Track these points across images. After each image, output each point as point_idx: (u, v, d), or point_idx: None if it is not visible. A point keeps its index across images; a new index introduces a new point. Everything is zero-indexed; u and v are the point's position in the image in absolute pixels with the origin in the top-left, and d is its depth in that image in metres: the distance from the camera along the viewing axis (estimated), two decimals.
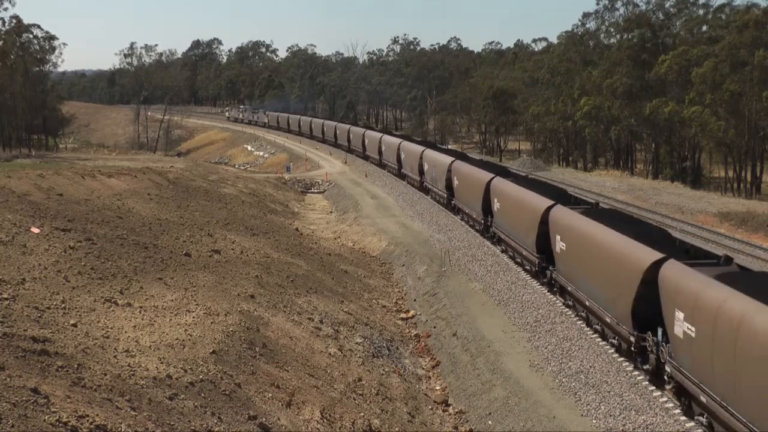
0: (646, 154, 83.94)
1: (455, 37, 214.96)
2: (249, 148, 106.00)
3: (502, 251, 33.85)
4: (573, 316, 24.72)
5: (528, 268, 29.82)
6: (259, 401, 15.77)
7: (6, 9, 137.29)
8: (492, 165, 43.76)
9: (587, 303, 22.76)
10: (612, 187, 58.75)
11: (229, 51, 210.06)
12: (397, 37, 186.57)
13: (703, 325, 15.69)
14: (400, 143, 62.39)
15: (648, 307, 18.53)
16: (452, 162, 43.99)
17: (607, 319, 21.12)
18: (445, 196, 45.01)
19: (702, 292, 15.89)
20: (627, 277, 19.40)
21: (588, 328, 23.38)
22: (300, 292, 26.19)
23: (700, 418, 16.51)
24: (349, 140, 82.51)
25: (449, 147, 78.70)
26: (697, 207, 48.47)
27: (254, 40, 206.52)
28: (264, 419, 14.83)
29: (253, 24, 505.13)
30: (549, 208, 26.79)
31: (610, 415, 17.72)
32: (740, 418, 14.41)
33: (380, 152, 69.41)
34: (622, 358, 20.69)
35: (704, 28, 75.15)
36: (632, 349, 19.71)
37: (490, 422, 19.06)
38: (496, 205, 33.84)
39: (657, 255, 18.44)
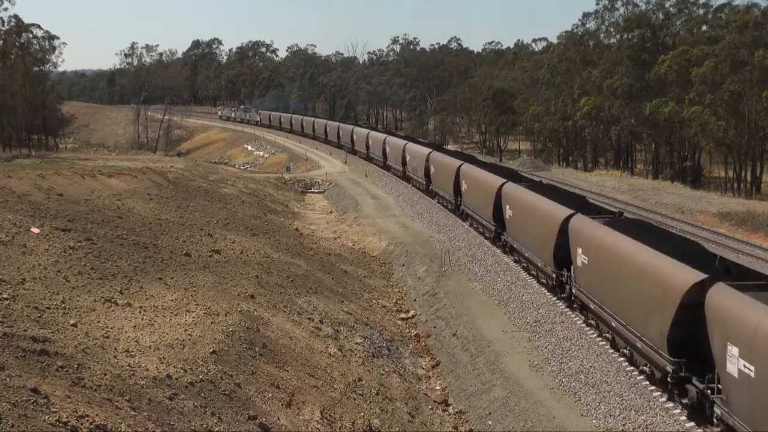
0: (646, 154, 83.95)
1: (455, 37, 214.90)
2: (249, 148, 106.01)
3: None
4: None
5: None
6: (259, 401, 15.77)
7: (6, 9, 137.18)
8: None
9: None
10: (612, 187, 58.75)
11: (229, 51, 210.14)
12: (397, 37, 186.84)
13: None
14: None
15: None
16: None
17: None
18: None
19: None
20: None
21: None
22: (300, 292, 26.19)
23: None
24: (338, 136, 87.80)
25: (450, 147, 78.80)
26: (697, 207, 48.46)
27: (254, 40, 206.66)
28: (264, 419, 14.83)
29: (253, 24, 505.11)
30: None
31: (610, 415, 17.71)
32: None
33: (367, 147, 73.14)
34: (622, 358, 20.69)
35: (704, 28, 75.20)
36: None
37: (490, 422, 19.07)
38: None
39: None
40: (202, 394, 14.66)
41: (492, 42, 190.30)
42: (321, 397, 17.61)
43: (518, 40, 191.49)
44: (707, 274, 16.36)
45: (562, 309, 25.29)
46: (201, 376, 15.41)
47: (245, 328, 19.44)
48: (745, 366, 13.97)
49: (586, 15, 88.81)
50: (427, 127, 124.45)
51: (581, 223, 23.63)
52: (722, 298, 15.17)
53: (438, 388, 22.17)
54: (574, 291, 24.24)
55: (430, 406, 20.60)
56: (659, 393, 18.52)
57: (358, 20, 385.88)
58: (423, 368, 23.70)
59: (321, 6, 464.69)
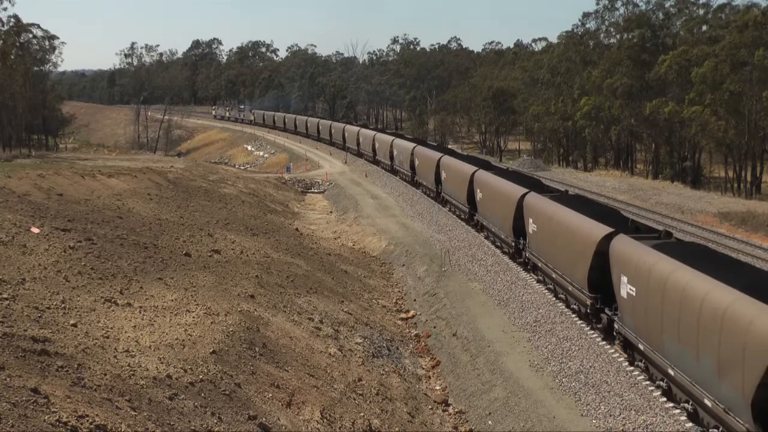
0: (646, 154, 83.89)
1: (455, 37, 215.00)
2: (249, 148, 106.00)
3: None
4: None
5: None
6: (259, 401, 15.76)
7: (5, 9, 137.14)
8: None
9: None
10: (612, 187, 58.75)
11: (229, 51, 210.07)
12: (397, 37, 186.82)
13: None
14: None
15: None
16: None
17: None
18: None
19: None
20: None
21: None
22: (300, 292, 26.19)
23: None
24: (330, 135, 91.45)
25: (450, 147, 78.81)
26: (697, 207, 48.46)
27: (254, 40, 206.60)
28: (264, 419, 14.83)
29: (253, 24, 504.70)
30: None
31: (610, 415, 17.72)
32: None
33: (356, 143, 76.47)
34: (622, 358, 20.69)
35: (704, 28, 75.06)
36: None
37: (490, 422, 19.07)
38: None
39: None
40: (202, 394, 14.66)
41: (492, 42, 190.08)
42: (321, 397, 17.61)
43: (518, 40, 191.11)
44: (613, 228, 21.20)
45: (562, 309, 25.29)
46: (201, 376, 15.41)
47: (245, 328, 19.43)
48: (630, 289, 18.94)
49: (586, 15, 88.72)
50: (427, 127, 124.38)
51: (533, 199, 29.39)
52: (620, 244, 20.21)
53: (438, 388, 22.17)
54: (527, 255, 29.79)
55: (430, 406, 20.59)
56: (659, 393, 18.52)
57: (358, 20, 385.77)
58: (423, 368, 23.70)
59: (321, 6, 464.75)
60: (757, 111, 60.72)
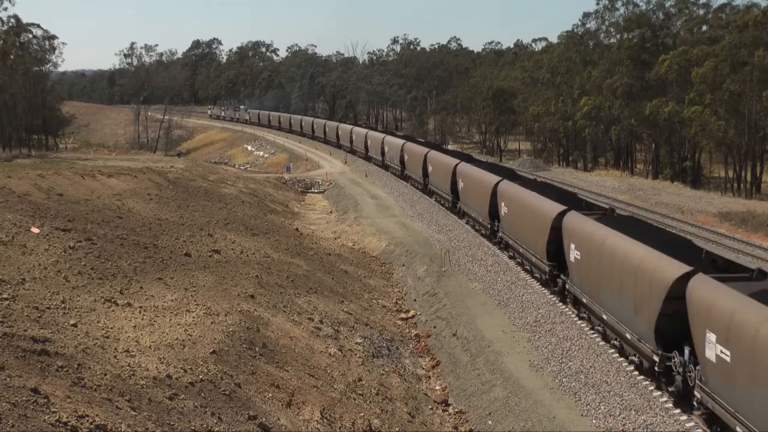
0: (646, 154, 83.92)
1: (455, 36, 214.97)
2: (249, 148, 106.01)
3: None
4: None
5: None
6: (259, 401, 15.76)
7: (5, 8, 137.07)
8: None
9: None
10: (612, 187, 58.76)
11: (229, 51, 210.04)
12: (397, 37, 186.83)
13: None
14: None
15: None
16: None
17: None
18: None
19: None
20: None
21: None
22: (300, 292, 26.19)
23: None
24: (324, 133, 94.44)
25: (450, 147, 78.93)
26: (697, 207, 48.47)
27: (254, 40, 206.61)
28: (264, 419, 14.83)
29: (253, 24, 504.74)
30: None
31: (610, 415, 17.72)
32: None
33: (349, 141, 79.51)
34: (622, 358, 20.68)
35: (704, 28, 75.05)
36: None
37: (490, 422, 19.06)
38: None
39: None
40: (202, 394, 14.66)
41: (492, 42, 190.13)
42: (321, 397, 17.61)
43: (518, 40, 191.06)
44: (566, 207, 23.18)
45: (562, 309, 25.30)
46: (201, 376, 15.41)
47: (245, 328, 19.44)
48: (576, 254, 20.62)
49: (586, 15, 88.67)
50: (427, 127, 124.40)
51: (505, 186, 32.59)
52: (571, 218, 22.68)
53: (438, 388, 22.17)
54: (500, 235, 32.98)
55: (430, 406, 20.59)
56: (659, 393, 18.51)
57: (358, 20, 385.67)
58: (423, 368, 23.70)
59: (321, 6, 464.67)
60: (757, 111, 60.72)
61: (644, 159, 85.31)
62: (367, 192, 55.86)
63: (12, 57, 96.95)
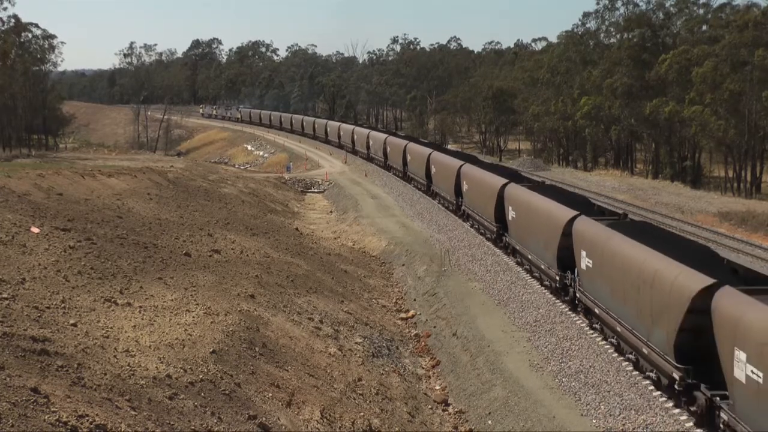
0: (646, 154, 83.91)
1: (455, 36, 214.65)
2: (249, 147, 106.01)
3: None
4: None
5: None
6: (259, 401, 15.76)
7: (5, 8, 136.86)
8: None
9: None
10: (612, 187, 58.77)
11: (229, 51, 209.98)
12: (397, 37, 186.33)
13: None
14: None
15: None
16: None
17: None
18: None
19: None
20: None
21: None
22: (300, 292, 26.19)
23: None
24: (314, 130, 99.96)
25: (450, 147, 79.12)
26: (697, 207, 48.47)
27: (254, 39, 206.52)
28: (264, 419, 14.83)
29: (253, 24, 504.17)
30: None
31: (610, 415, 17.71)
32: None
33: (337, 137, 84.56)
34: (621, 358, 20.67)
35: (704, 27, 75.06)
36: None
37: (490, 422, 19.06)
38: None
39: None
40: (202, 394, 14.66)
41: (492, 42, 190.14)
42: (321, 396, 17.61)
43: (518, 39, 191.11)
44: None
45: (562, 309, 25.29)
46: (201, 376, 15.41)
47: (245, 328, 19.43)
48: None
49: (586, 15, 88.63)
50: (427, 126, 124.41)
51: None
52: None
53: (438, 387, 22.17)
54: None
55: (430, 406, 20.59)
56: (659, 393, 18.50)
57: (358, 20, 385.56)
58: (423, 368, 23.70)
59: (321, 6, 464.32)
60: (757, 111, 60.72)
61: (644, 159, 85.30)
62: (367, 192, 55.86)
63: (12, 57, 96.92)
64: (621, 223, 23.08)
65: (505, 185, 32.77)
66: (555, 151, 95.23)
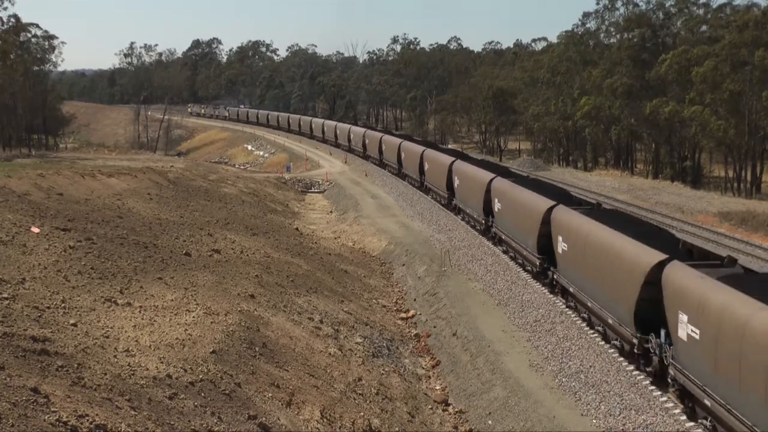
0: (646, 154, 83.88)
1: (455, 36, 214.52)
2: (249, 147, 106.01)
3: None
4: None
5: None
6: (259, 401, 15.76)
7: (6, 8, 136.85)
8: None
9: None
10: (612, 187, 58.77)
11: (229, 50, 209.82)
12: (397, 36, 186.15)
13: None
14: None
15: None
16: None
17: None
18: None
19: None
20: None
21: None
22: (300, 292, 26.19)
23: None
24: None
25: (450, 147, 79.08)
26: (697, 207, 48.46)
27: (254, 39, 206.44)
28: (264, 419, 14.83)
29: (253, 24, 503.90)
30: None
31: (610, 415, 17.72)
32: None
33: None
34: (621, 358, 20.68)
35: (704, 27, 75.03)
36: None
37: (490, 422, 19.06)
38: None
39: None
40: (202, 394, 14.66)
41: (492, 42, 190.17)
42: (321, 396, 17.61)
43: (518, 39, 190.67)
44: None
45: (562, 309, 25.31)
46: (201, 376, 15.41)
47: (245, 328, 19.43)
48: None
49: (586, 15, 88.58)
50: (427, 126, 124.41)
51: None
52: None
53: (438, 387, 22.17)
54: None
55: (430, 406, 20.59)
56: (659, 393, 18.51)
57: (358, 20, 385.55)
58: (423, 368, 23.70)
59: (321, 6, 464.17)
60: (757, 111, 60.70)
61: (644, 159, 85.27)
62: (367, 191, 55.86)
63: (12, 57, 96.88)
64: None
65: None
66: (555, 151, 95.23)
